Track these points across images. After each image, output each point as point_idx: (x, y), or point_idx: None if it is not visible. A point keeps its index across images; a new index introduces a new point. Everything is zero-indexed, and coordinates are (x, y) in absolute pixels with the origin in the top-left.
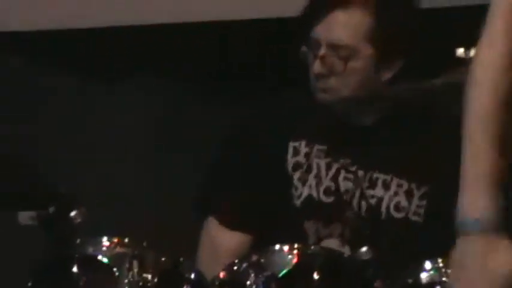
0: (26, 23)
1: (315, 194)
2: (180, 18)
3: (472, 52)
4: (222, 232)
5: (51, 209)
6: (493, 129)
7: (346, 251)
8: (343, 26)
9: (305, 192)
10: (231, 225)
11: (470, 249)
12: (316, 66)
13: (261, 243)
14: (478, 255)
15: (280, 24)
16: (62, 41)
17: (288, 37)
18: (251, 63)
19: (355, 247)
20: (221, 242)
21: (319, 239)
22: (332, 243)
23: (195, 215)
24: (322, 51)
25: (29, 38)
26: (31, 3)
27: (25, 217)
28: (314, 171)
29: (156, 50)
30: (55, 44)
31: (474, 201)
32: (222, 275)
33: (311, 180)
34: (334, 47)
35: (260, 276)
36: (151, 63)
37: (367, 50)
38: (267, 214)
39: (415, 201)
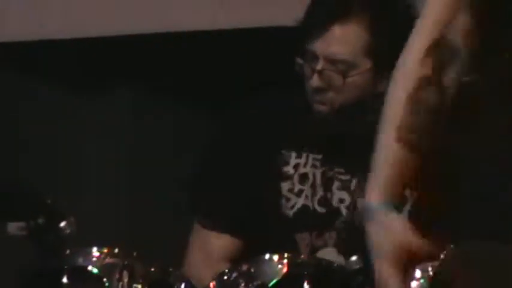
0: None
1: (310, 204)
2: (167, 28)
3: None
4: (213, 234)
5: (41, 220)
6: (406, 137)
7: (341, 260)
8: (340, 41)
9: (300, 202)
10: (220, 227)
11: (376, 223)
12: (315, 80)
13: (252, 252)
14: (381, 225)
15: (273, 34)
16: (47, 51)
17: (282, 46)
18: (242, 70)
19: (348, 256)
20: (212, 244)
21: (314, 249)
22: (329, 252)
23: (189, 217)
24: (320, 65)
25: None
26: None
27: (14, 228)
28: (310, 181)
29: (142, 59)
30: (37, 55)
31: (381, 191)
32: (212, 285)
33: (307, 190)
34: (332, 61)
35: (250, 285)
36: (137, 73)
37: (365, 64)
38: (256, 219)
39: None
